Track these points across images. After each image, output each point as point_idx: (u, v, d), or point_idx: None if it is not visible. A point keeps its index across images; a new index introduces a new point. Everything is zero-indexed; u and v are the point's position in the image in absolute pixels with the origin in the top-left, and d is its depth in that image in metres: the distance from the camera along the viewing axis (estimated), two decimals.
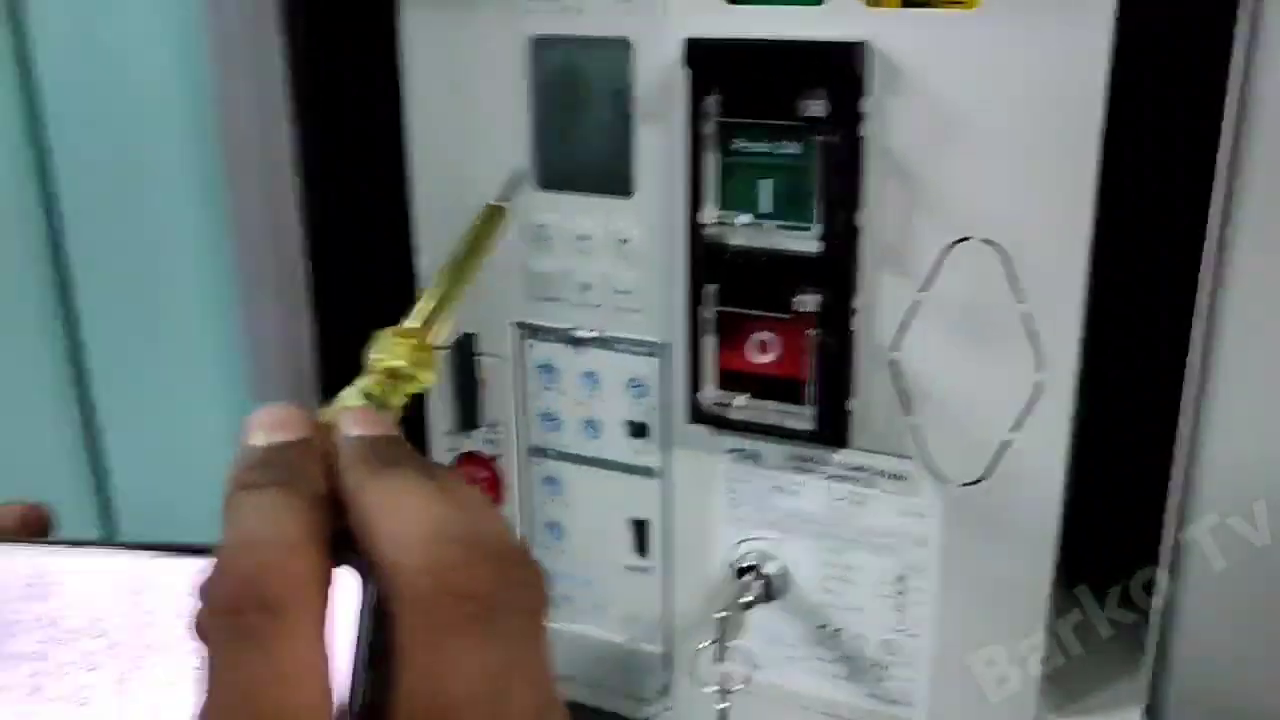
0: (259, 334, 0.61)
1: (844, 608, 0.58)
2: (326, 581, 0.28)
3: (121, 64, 0.66)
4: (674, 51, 0.52)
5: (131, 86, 0.67)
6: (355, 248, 0.63)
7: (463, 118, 0.58)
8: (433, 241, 0.61)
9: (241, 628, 0.26)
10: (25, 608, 0.42)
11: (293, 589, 0.27)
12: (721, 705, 0.56)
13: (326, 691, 0.26)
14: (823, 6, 0.50)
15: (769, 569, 0.58)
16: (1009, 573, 0.54)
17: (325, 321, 0.61)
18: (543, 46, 0.55)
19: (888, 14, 0.49)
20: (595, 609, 0.64)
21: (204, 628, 0.27)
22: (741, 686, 0.57)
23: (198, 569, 0.40)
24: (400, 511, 0.29)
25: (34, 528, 0.44)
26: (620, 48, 0.54)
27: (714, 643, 0.55)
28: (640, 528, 0.62)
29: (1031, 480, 0.52)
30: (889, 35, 0.49)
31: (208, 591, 0.27)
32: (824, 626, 0.59)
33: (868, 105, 0.50)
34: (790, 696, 0.60)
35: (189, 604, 0.40)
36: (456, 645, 0.27)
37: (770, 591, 0.58)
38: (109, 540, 0.43)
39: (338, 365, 0.62)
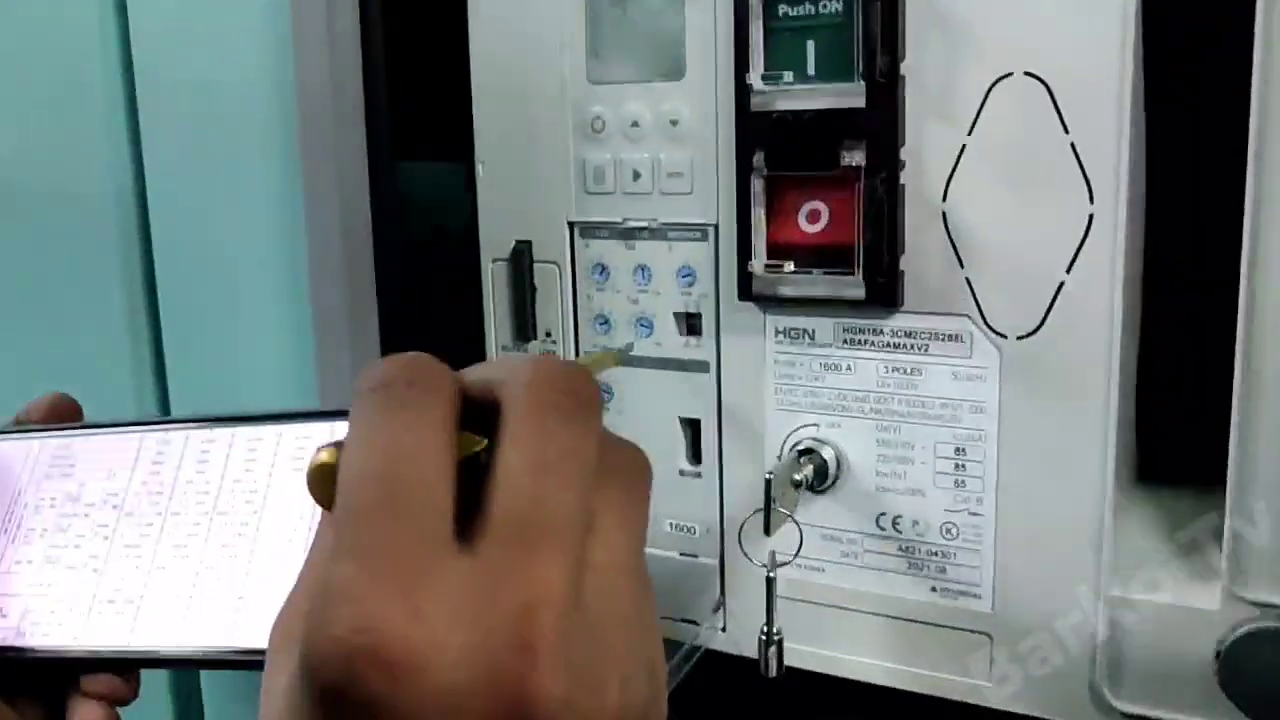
0: (329, 342, 0.63)
1: (902, 491, 0.56)
2: (458, 403, 0.29)
3: (212, 70, 0.71)
4: None
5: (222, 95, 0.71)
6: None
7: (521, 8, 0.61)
8: (487, 121, 0.63)
9: (390, 396, 0.28)
10: (49, 485, 0.44)
11: (436, 378, 0.29)
12: (770, 575, 0.54)
13: (449, 472, 0.28)
14: None
15: (823, 454, 0.57)
16: (1068, 434, 0.52)
17: (389, 333, 0.64)
18: None
19: None
20: (650, 523, 0.62)
21: (355, 406, 0.29)
22: (789, 559, 0.55)
23: (209, 438, 0.43)
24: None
25: (64, 415, 0.47)
26: None
27: (762, 510, 0.53)
28: (693, 429, 0.61)
29: (1088, 327, 0.51)
30: None
31: (363, 375, 0.29)
32: (882, 514, 0.57)
33: None
34: (850, 597, 0.58)
35: (203, 470, 0.42)
36: (555, 420, 0.29)
37: (824, 480, 0.57)
38: (132, 420, 0.45)
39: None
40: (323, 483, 0.29)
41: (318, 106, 0.65)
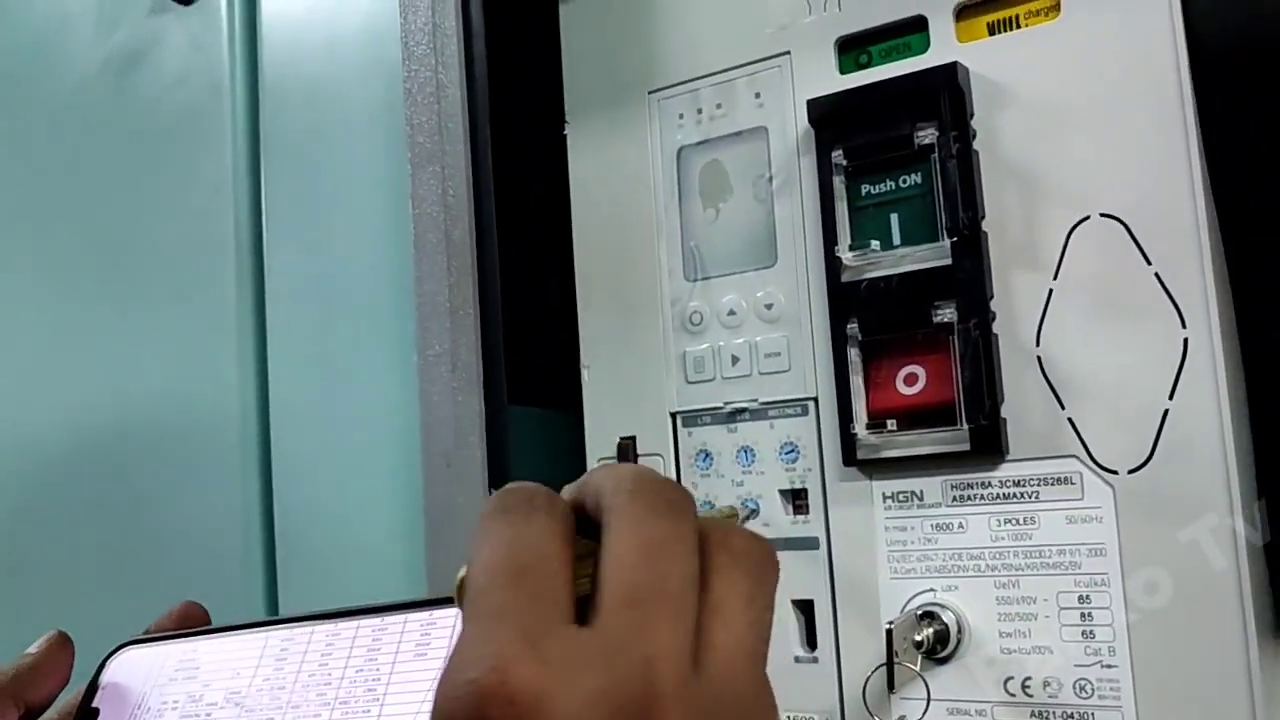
0: (433, 399, 0.65)
1: (1028, 650, 0.53)
2: (572, 518, 0.33)
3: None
4: (803, 126, 0.60)
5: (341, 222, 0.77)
6: (525, 332, 0.68)
7: (620, 220, 0.66)
8: (592, 326, 0.66)
9: (512, 512, 0.31)
10: (172, 689, 0.47)
11: (550, 495, 0.33)
12: None
13: (568, 562, 0.31)
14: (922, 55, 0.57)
15: (943, 618, 0.55)
16: (1196, 564, 0.50)
17: (492, 395, 0.65)
18: (688, 152, 0.64)
19: (979, 44, 0.56)
20: None
21: (480, 524, 0.32)
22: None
23: (334, 632, 0.46)
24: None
25: (193, 622, 0.49)
26: (759, 136, 0.62)
27: (885, 665, 0.51)
28: (806, 612, 0.59)
29: (1199, 451, 0.50)
30: (983, 61, 0.56)
31: (486, 503, 0.34)
32: (1010, 678, 0.54)
33: (975, 122, 0.56)
34: None
35: (326, 663, 0.45)
36: (655, 512, 0.31)
37: (946, 645, 0.55)
38: (257, 621, 0.47)
39: (501, 437, 0.66)
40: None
41: (435, 352, 0.69)
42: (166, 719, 0.44)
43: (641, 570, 0.30)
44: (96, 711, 0.45)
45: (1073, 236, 0.53)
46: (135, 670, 0.46)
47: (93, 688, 0.45)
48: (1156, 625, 0.51)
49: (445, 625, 0.42)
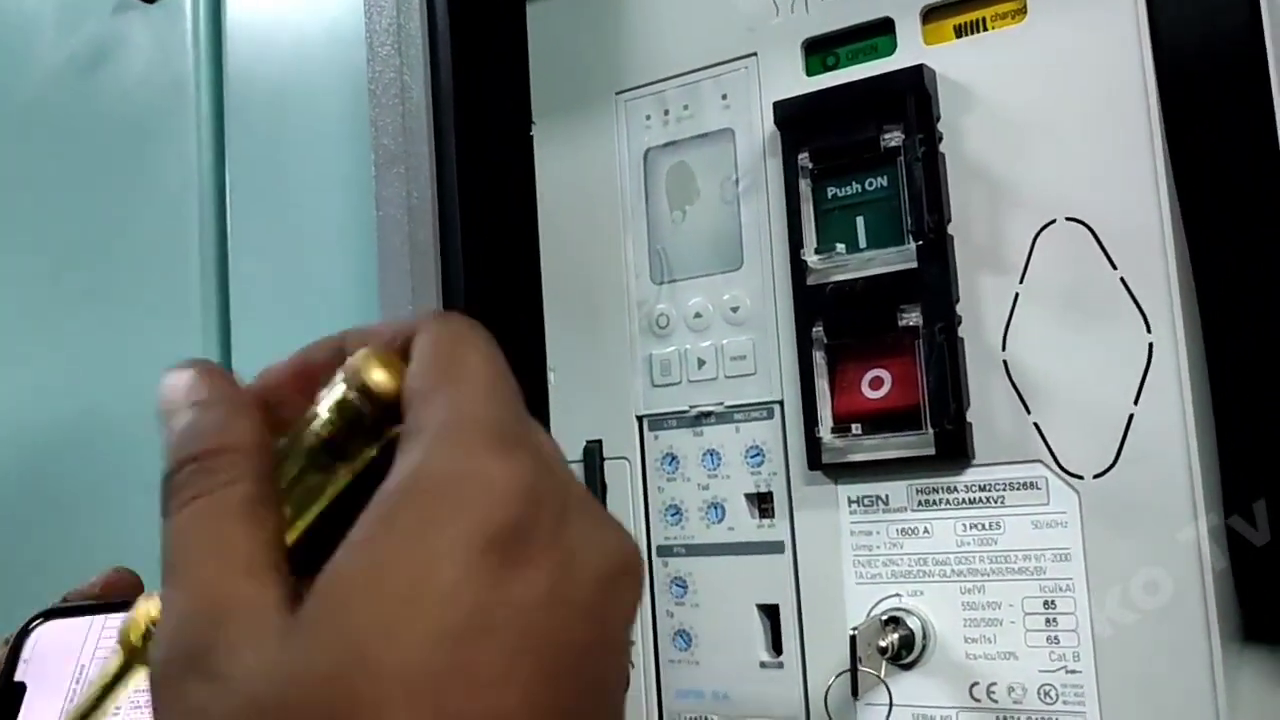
0: None
1: (994, 655, 0.53)
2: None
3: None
4: (769, 128, 0.59)
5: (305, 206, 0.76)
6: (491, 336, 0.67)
7: (587, 222, 0.65)
8: (558, 329, 0.66)
9: (183, 485, 0.26)
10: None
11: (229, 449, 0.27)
12: None
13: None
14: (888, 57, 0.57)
15: (908, 624, 0.55)
16: (1160, 569, 0.50)
17: None
18: (655, 153, 0.64)
19: (945, 47, 0.56)
20: None
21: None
22: None
23: None
24: None
25: (121, 590, 0.46)
26: (725, 138, 0.61)
27: (849, 671, 0.51)
28: (772, 616, 0.59)
29: (1161, 456, 0.50)
30: (950, 63, 0.56)
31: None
32: (975, 684, 0.54)
33: (941, 125, 0.55)
34: None
35: None
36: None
37: (911, 651, 0.54)
38: None
39: None
40: None
41: None
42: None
43: None
44: (23, 686, 0.42)
45: (1038, 240, 0.53)
46: (67, 641, 0.43)
47: (13, 661, 0.43)
48: (1121, 631, 0.50)
49: None
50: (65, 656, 0.43)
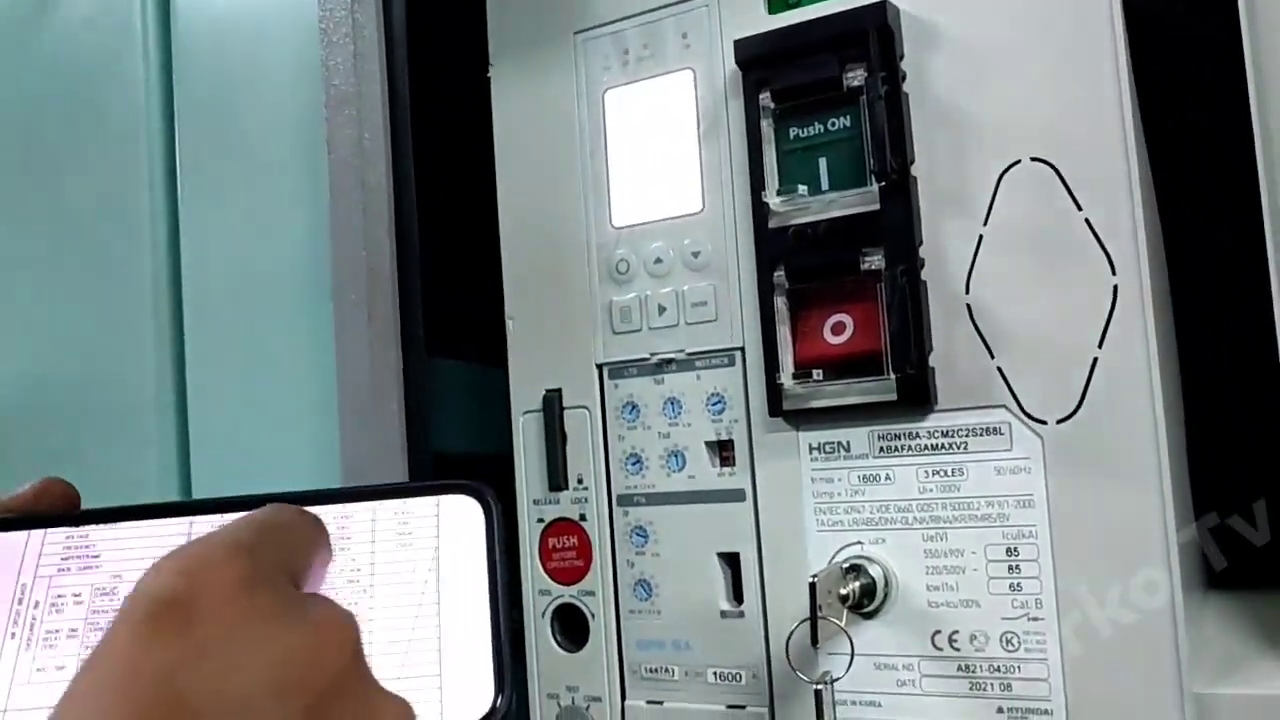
0: (350, 350, 0.63)
1: (955, 604, 0.53)
2: None
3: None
4: (730, 68, 0.58)
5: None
6: (447, 282, 0.66)
7: (545, 165, 0.64)
8: (516, 276, 0.64)
9: None
10: (67, 580, 0.40)
11: None
12: (816, 688, 0.50)
13: None
14: None
15: (870, 572, 0.54)
16: (1123, 515, 0.49)
17: (411, 347, 0.63)
18: (614, 94, 0.62)
19: None
20: (692, 677, 0.58)
21: None
22: (840, 676, 0.51)
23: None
24: None
25: (55, 501, 0.42)
26: (685, 78, 0.60)
27: (809, 619, 0.50)
28: (733, 564, 0.58)
29: (1128, 400, 0.49)
30: (914, 0, 0.54)
31: None
32: (937, 632, 0.53)
33: (904, 63, 0.54)
34: None
35: None
36: None
37: (873, 600, 0.54)
38: (158, 504, 0.42)
39: (421, 391, 0.64)
40: None
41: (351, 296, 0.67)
42: (70, 613, 0.40)
43: None
44: None
45: (1003, 181, 0.52)
46: (2, 558, 0.40)
47: None
48: (1083, 578, 0.50)
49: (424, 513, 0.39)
50: (3, 574, 0.40)
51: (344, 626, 0.30)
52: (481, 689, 0.35)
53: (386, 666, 0.35)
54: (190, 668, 0.27)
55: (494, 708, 0.34)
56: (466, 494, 0.38)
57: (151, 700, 0.26)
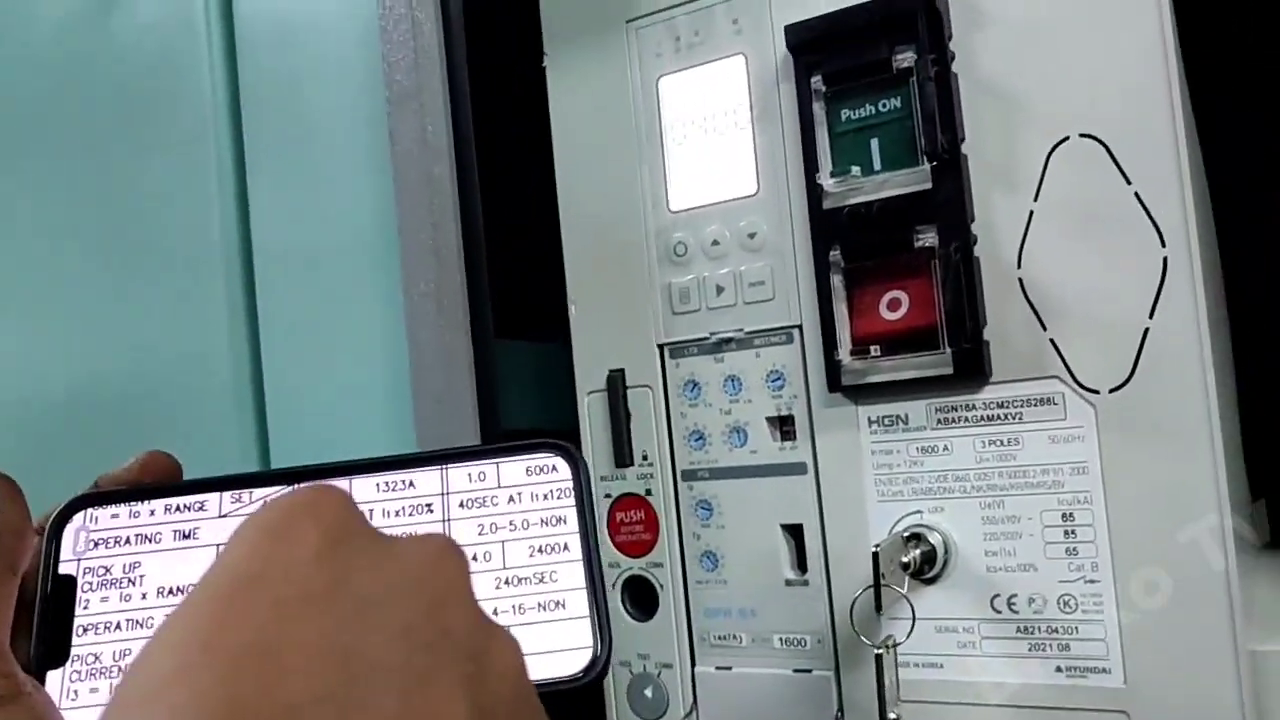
0: (421, 338, 0.65)
1: (1014, 568, 0.54)
2: None
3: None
4: (781, 53, 0.59)
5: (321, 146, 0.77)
6: (511, 268, 0.68)
7: (601, 152, 0.65)
8: (576, 261, 0.67)
9: None
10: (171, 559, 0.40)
11: None
12: (877, 652, 0.52)
13: None
14: None
15: (930, 540, 0.56)
16: (1176, 479, 0.51)
17: (479, 332, 0.66)
18: (668, 80, 0.64)
19: None
20: (759, 642, 0.61)
21: None
22: (902, 641, 0.53)
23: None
24: None
25: (160, 473, 0.42)
26: (737, 64, 0.61)
27: (872, 586, 0.52)
28: (796, 536, 0.60)
29: (1179, 369, 0.51)
30: None
31: None
32: (996, 596, 0.55)
33: (953, 44, 0.55)
34: (973, 690, 0.55)
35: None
36: None
37: (933, 566, 0.55)
38: (243, 476, 0.42)
39: (489, 372, 0.66)
40: None
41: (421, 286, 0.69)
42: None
43: None
44: (71, 580, 0.39)
45: (1052, 157, 0.53)
46: (112, 531, 0.40)
47: (54, 552, 0.39)
48: (1138, 541, 0.51)
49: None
50: (113, 546, 0.40)
51: (453, 546, 0.30)
52: (582, 640, 0.36)
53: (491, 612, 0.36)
54: (339, 559, 0.27)
55: (594, 657, 0.36)
56: (555, 453, 0.40)
57: (323, 587, 0.26)
